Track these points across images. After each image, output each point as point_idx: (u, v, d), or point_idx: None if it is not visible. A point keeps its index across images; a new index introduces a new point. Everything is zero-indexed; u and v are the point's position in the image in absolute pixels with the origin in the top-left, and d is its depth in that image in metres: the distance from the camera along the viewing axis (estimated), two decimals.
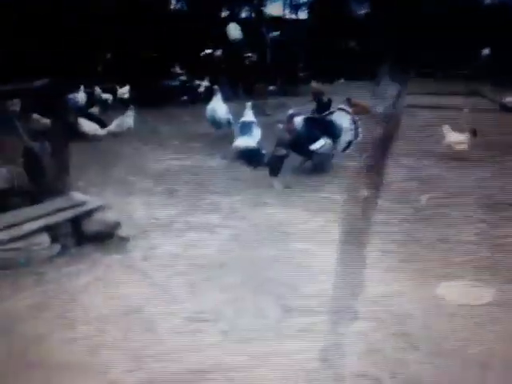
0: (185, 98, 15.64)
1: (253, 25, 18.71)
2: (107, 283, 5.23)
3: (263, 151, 8.09)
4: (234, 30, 17.35)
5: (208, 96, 12.95)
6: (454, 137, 9.66)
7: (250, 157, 8.04)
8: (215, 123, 10.94)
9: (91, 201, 5.96)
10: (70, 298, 4.87)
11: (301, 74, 18.58)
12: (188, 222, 6.71)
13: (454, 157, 9.55)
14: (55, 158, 5.99)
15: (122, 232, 6.08)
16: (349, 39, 21.10)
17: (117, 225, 5.97)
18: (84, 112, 11.74)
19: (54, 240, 5.63)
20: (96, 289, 5.08)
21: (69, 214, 5.78)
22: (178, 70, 16.24)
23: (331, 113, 9.59)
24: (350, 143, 9.09)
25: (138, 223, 6.56)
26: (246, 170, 8.66)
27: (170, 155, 9.82)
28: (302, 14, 24.91)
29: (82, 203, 5.88)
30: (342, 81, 19.04)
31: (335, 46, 20.24)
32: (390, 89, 3.90)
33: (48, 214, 5.65)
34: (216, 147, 10.19)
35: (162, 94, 15.31)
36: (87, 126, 10.81)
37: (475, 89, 14.24)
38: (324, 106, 10.88)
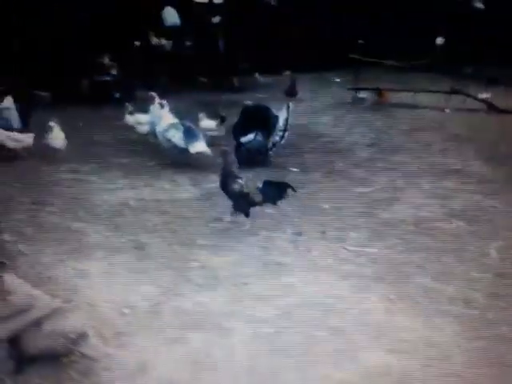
0: (117, 95, 13.06)
1: (192, 9, 16.26)
2: None
3: None
4: (171, 15, 14.95)
5: None
6: (205, 123, 8.71)
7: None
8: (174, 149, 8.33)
9: (41, 302, 3.62)
10: None
11: (242, 65, 16.25)
12: (178, 309, 4.47)
13: None
14: None
15: (87, 344, 3.77)
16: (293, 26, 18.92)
17: (82, 337, 3.67)
18: None
19: None
20: None
21: (3, 329, 3.44)
22: (107, 61, 13.62)
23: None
24: (274, 144, 8.32)
25: (103, 316, 4.26)
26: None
27: (121, 181, 7.45)
28: None
29: (26, 307, 3.54)
30: (288, 73, 16.93)
31: (280, 33, 18.06)
32: None
33: None
34: (180, 167, 7.90)
35: (91, 92, 12.76)
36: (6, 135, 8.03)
37: (456, 86, 12.41)
38: None
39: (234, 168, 6.03)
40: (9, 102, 9.08)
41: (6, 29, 12.83)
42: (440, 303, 4.62)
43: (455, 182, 7.50)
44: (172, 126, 8.07)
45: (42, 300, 3.69)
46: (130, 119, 9.06)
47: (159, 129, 8.11)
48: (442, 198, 6.87)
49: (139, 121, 8.92)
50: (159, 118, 8.26)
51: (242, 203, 5.95)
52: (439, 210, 6.54)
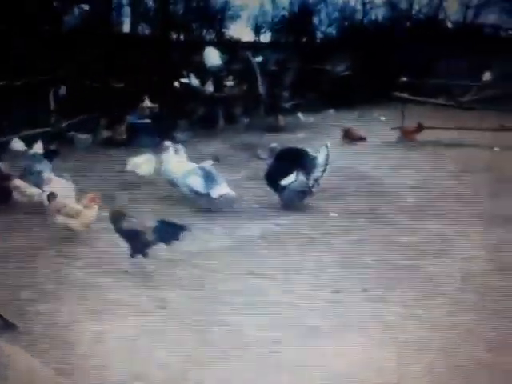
0: (157, 139, 12.72)
1: (233, 49, 16.16)
2: None
3: None
4: (213, 56, 14.80)
5: None
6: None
7: None
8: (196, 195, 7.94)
9: (41, 377, 3.25)
10: None
11: (285, 105, 15.93)
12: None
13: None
14: None
15: None
16: (336, 64, 18.63)
17: None
18: None
19: None
20: None
21: None
22: (147, 103, 13.45)
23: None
24: (316, 180, 8.02)
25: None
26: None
27: None
28: (267, 37, 22.91)
29: None
30: (332, 111, 16.66)
31: (321, 72, 17.81)
32: None
33: None
34: (208, 213, 7.55)
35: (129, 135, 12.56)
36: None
37: (505, 122, 11.90)
38: None
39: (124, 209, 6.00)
40: (38, 147, 9.11)
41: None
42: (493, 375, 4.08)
43: (506, 230, 6.95)
44: (190, 172, 7.88)
45: (43, 375, 3.30)
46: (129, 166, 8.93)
47: (178, 175, 7.97)
48: (491, 249, 6.33)
49: (136, 163, 8.85)
50: (173, 166, 8.20)
51: (136, 243, 5.74)
52: (488, 264, 5.99)
